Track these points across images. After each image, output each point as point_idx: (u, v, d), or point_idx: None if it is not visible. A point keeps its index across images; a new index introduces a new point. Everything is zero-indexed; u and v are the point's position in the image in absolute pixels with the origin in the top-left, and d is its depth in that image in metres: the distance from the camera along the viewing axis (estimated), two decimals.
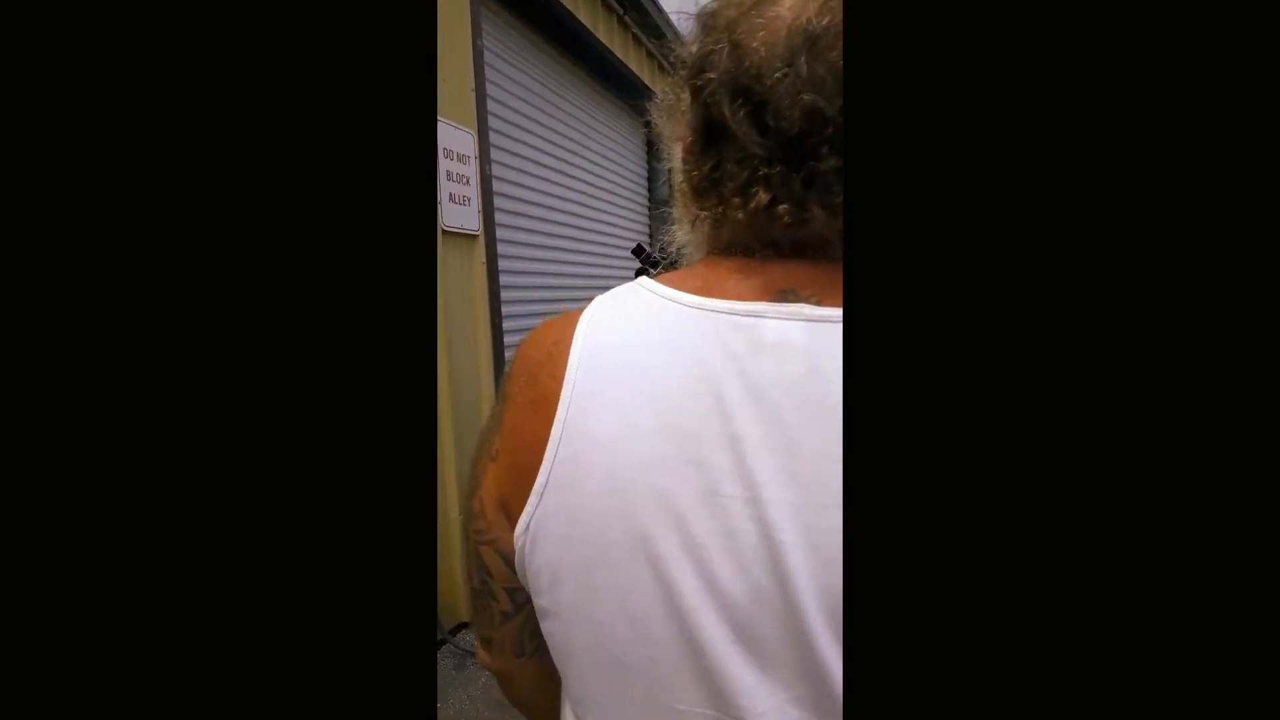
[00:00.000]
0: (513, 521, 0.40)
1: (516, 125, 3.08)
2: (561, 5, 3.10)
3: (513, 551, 0.40)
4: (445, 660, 2.23)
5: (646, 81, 4.33)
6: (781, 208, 0.36)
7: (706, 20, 0.39)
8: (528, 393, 0.40)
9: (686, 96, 0.42)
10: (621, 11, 3.87)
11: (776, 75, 0.35)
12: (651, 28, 4.24)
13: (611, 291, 0.43)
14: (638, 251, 1.21)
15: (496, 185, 2.77)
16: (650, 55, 4.41)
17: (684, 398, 0.35)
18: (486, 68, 2.63)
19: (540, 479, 0.38)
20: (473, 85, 2.49)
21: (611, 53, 3.75)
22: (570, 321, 0.41)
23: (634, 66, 4.11)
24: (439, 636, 2.25)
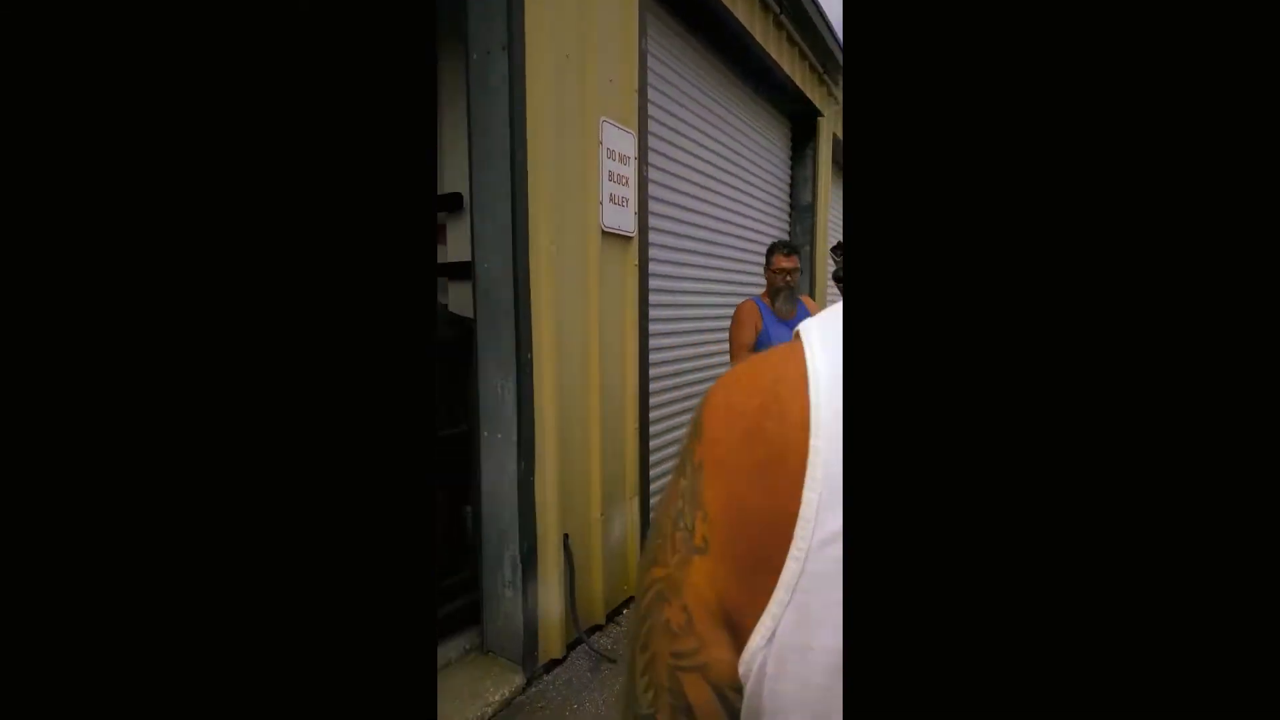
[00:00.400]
0: (740, 636, 0.29)
1: (672, 129, 3.07)
2: (720, 2, 3.05)
3: (735, 679, 0.30)
4: (580, 661, 2.24)
5: (798, 83, 4.18)
6: None
7: None
8: (749, 453, 0.30)
9: None
10: (778, 10, 3.75)
11: None
12: (807, 26, 4.09)
13: (831, 312, 0.33)
14: (837, 250, 1.11)
15: (651, 189, 2.76)
16: (803, 56, 4.26)
17: None
18: (649, 71, 2.64)
19: (790, 571, 0.27)
20: (637, 86, 2.50)
21: (766, 53, 3.65)
22: (787, 356, 0.31)
23: (786, 68, 3.98)
24: (576, 636, 2.26)
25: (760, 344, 2.51)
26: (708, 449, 0.32)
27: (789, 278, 2.57)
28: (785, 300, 2.58)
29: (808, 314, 2.19)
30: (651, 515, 0.38)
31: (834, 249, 1.05)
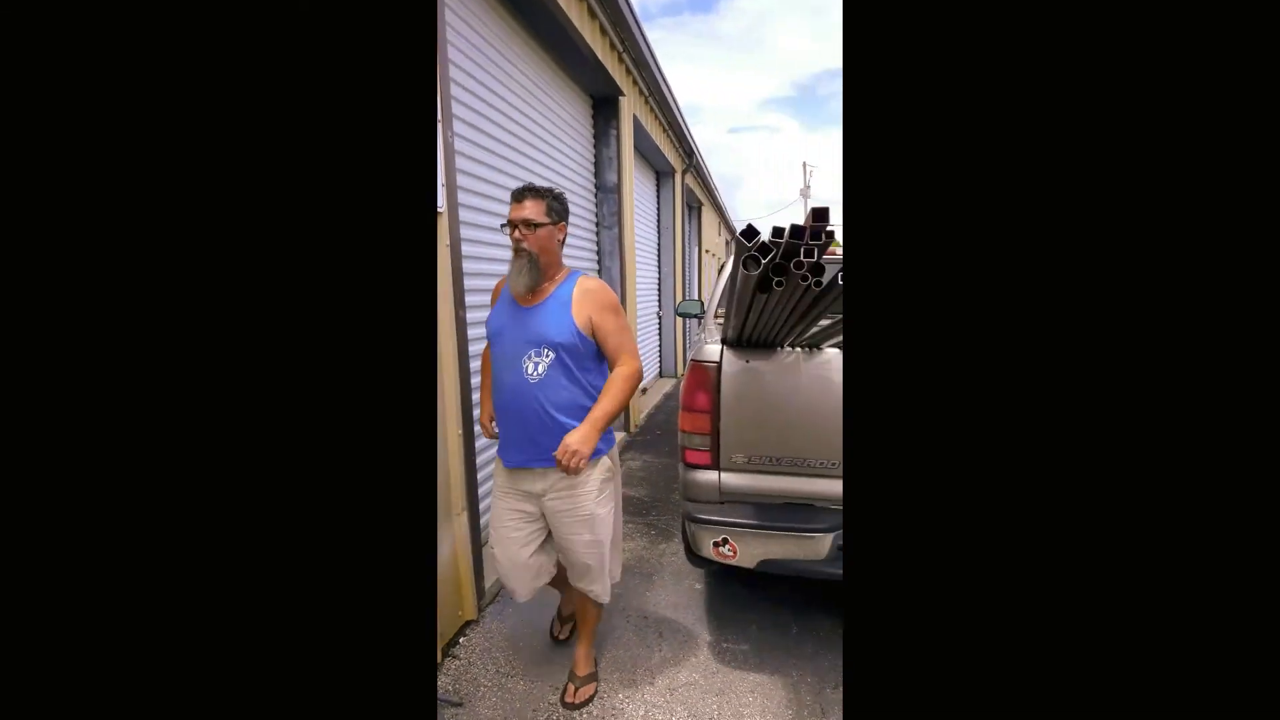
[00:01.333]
0: None
1: (475, 93, 2.74)
2: None
3: None
4: None
5: (600, 58, 4.05)
6: None
7: None
8: None
9: None
10: None
11: None
12: (608, 2, 3.96)
13: None
14: (748, 234, 0.97)
15: (460, 161, 2.41)
16: (604, 32, 4.13)
17: None
18: (447, 26, 2.28)
19: None
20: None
21: (569, 20, 3.44)
22: None
23: (589, 39, 3.82)
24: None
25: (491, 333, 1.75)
26: None
27: (520, 236, 1.61)
28: (519, 273, 1.63)
29: (565, 298, 1.62)
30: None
31: (744, 232, 0.91)
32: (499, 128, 3.02)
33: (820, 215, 0.92)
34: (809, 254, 0.95)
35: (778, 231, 0.96)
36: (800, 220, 1.01)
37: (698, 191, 9.81)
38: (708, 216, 11.70)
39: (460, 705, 1.92)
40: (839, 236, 1.69)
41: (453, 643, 2.24)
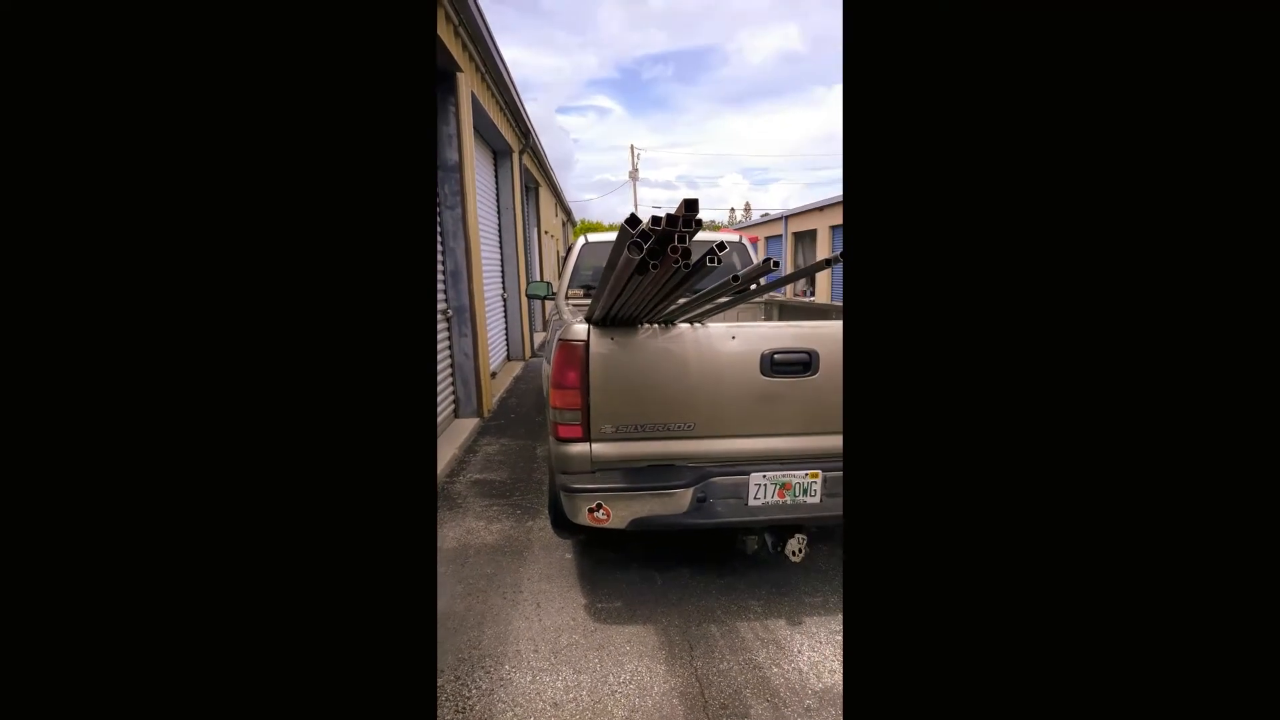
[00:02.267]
0: None
1: None
2: None
3: None
4: None
5: (436, 32, 3.89)
6: None
7: None
8: None
9: None
10: None
11: None
12: None
13: None
14: (632, 222, 1.08)
15: None
16: (438, 2, 3.97)
17: None
18: None
19: None
20: None
21: None
22: None
23: None
24: None
25: None
26: None
27: None
28: None
29: None
30: None
31: (629, 220, 1.01)
32: None
33: (691, 206, 1.06)
34: (681, 239, 1.09)
35: (655, 220, 1.10)
36: (672, 209, 1.16)
37: (535, 172, 9.74)
38: (545, 197, 11.65)
39: None
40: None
41: None
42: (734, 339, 2.09)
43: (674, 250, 1.10)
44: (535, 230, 10.58)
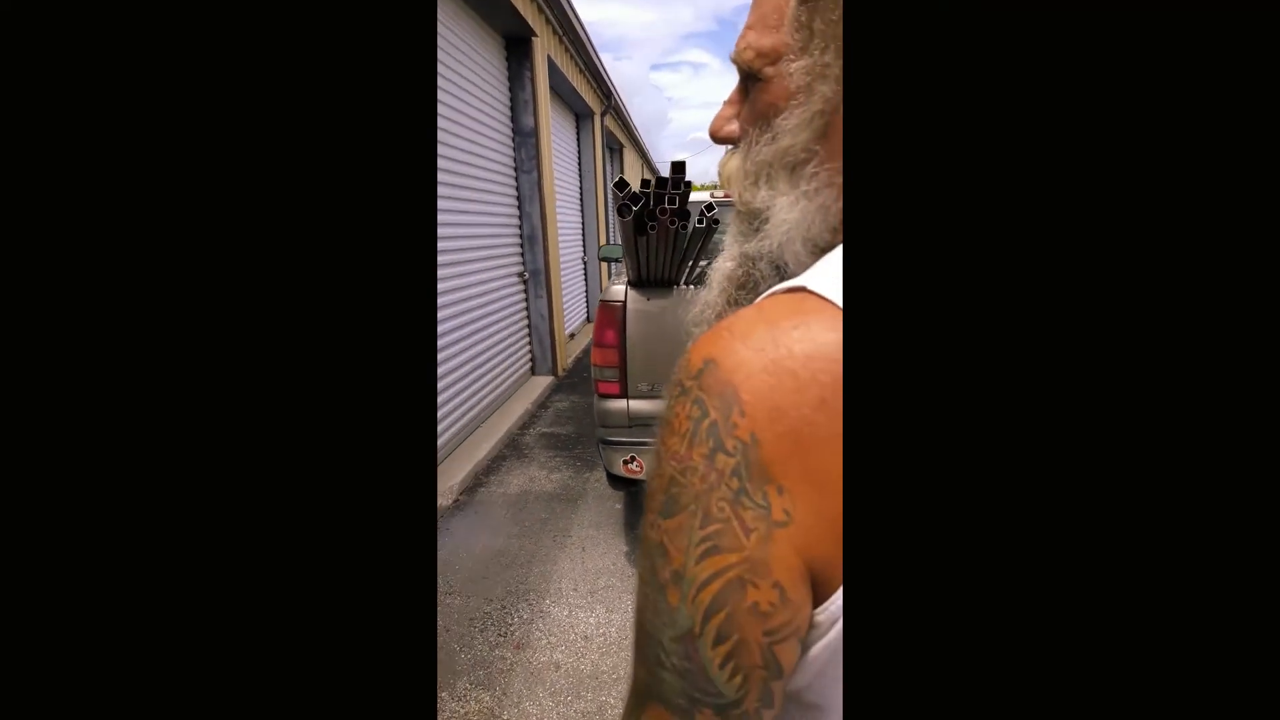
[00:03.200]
0: (826, 589, 0.31)
1: None
2: None
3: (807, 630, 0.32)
4: None
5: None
6: None
7: None
8: (831, 422, 0.30)
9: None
10: None
11: None
12: None
13: (832, 259, 0.35)
14: (620, 186, 1.14)
15: None
16: None
17: None
18: None
19: None
20: None
21: None
22: (822, 312, 0.32)
23: None
24: None
25: None
26: (765, 424, 0.30)
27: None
28: None
29: None
30: (662, 497, 0.32)
31: (616, 184, 1.07)
32: None
33: (678, 168, 1.10)
34: (672, 201, 1.13)
35: (645, 183, 1.15)
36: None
37: (618, 133, 9.76)
38: (630, 158, 11.66)
39: None
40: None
41: None
42: None
43: (663, 212, 1.15)
44: None
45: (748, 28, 0.42)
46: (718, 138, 0.47)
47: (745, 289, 0.45)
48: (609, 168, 9.27)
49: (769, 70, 0.41)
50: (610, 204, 9.25)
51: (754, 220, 0.43)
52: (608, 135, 8.63)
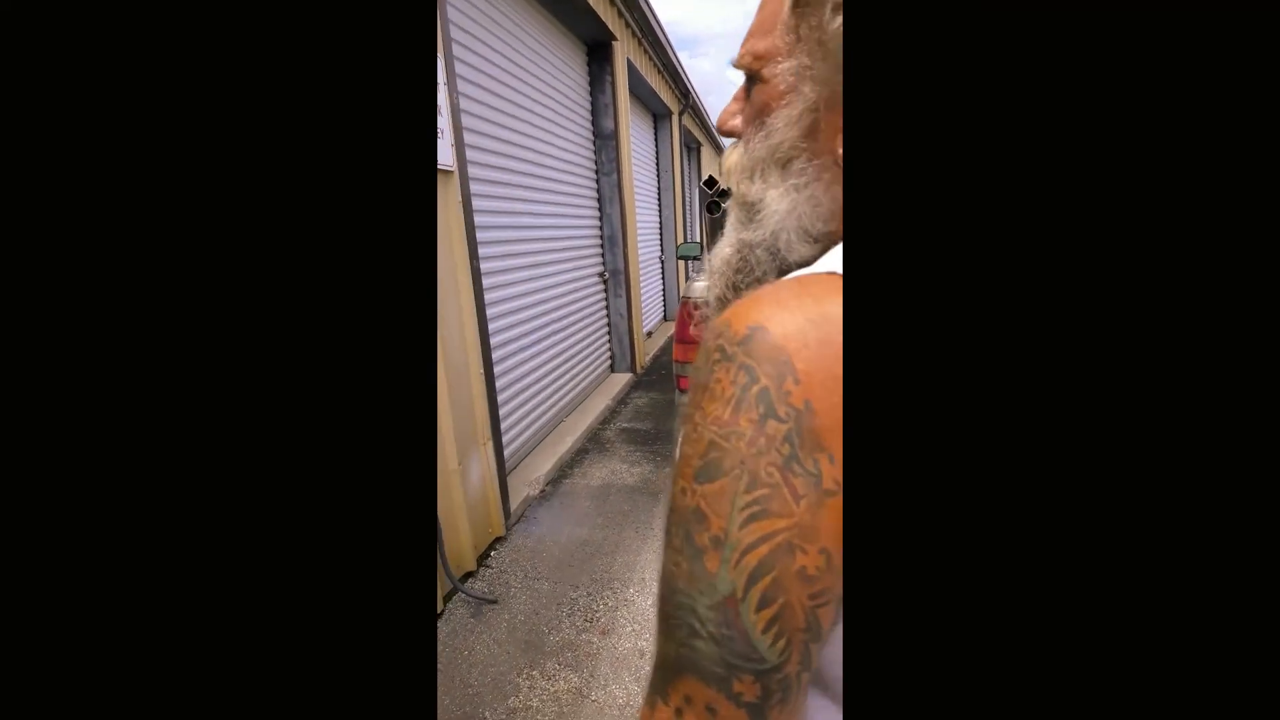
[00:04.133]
0: None
1: (473, 50, 2.86)
2: None
3: None
4: (459, 610, 2.23)
5: (590, 3, 4.10)
6: None
7: None
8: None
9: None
10: None
11: None
12: None
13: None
14: (709, 184, 1.18)
15: (465, 119, 2.58)
16: None
17: None
18: None
19: None
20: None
21: None
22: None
23: None
24: (451, 587, 2.24)
25: None
26: (820, 392, 0.31)
27: None
28: None
29: None
30: (700, 462, 0.33)
31: (705, 182, 1.09)
32: (499, 83, 3.15)
33: None
34: None
35: None
36: None
37: (695, 132, 9.75)
38: (707, 156, 11.62)
39: (495, 602, 2.25)
40: None
41: (485, 555, 2.56)
42: None
43: None
44: (696, 190, 10.65)
45: (749, 33, 0.45)
46: (722, 130, 0.50)
47: (742, 273, 0.47)
48: (686, 167, 9.29)
49: (765, 72, 0.43)
50: (688, 203, 9.27)
51: (750, 211, 0.45)
52: (685, 134, 8.66)
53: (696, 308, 1.73)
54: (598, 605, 2.20)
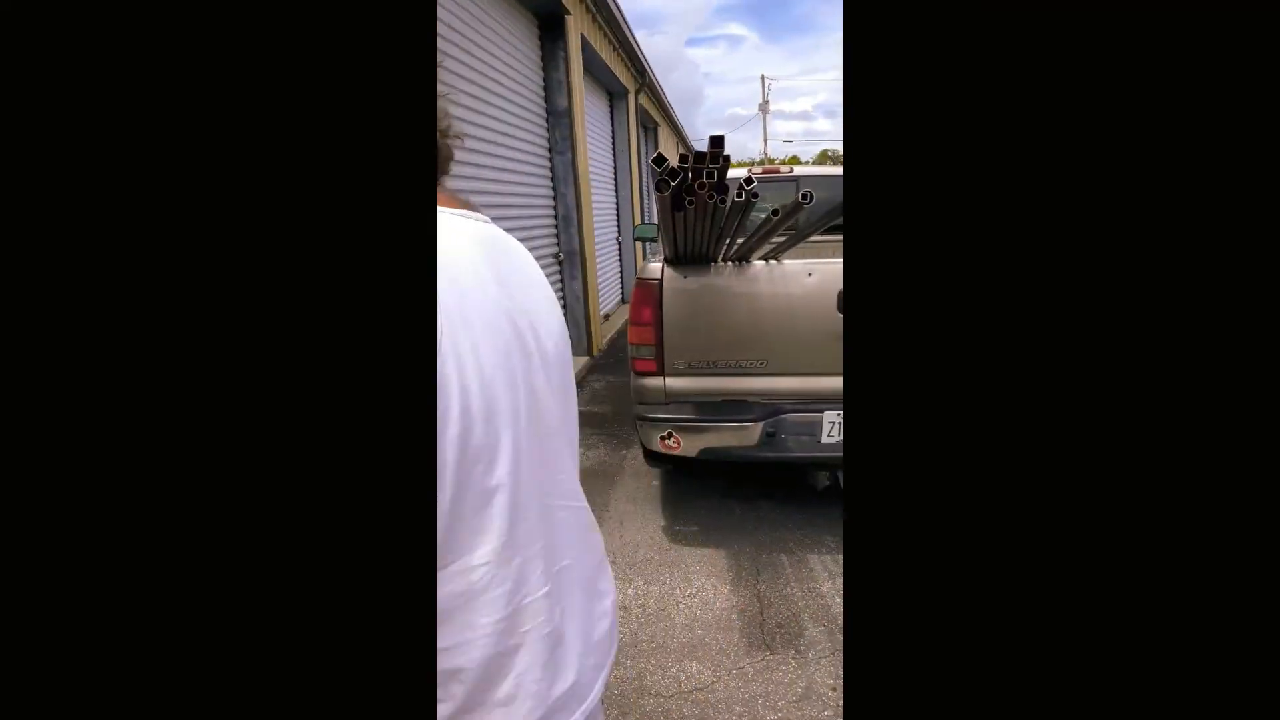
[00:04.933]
0: None
1: None
2: None
3: None
4: None
5: None
6: None
7: None
8: None
9: None
10: None
11: None
12: None
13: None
14: (658, 161, 1.15)
15: None
16: None
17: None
18: None
19: None
20: None
21: None
22: None
23: None
24: None
25: None
26: None
27: None
28: None
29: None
30: None
31: (654, 160, 1.07)
32: (446, 55, 3.02)
33: (716, 142, 1.10)
34: (710, 175, 1.14)
35: (683, 158, 1.15)
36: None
37: (653, 112, 9.67)
38: (665, 136, 11.54)
39: None
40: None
41: None
42: (810, 276, 2.08)
43: (701, 187, 1.15)
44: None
45: None
46: None
47: None
48: (644, 147, 9.21)
49: None
50: (645, 183, 9.22)
51: None
52: (642, 113, 8.56)
53: (649, 288, 1.72)
54: None
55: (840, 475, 2.33)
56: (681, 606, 2.05)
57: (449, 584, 0.45)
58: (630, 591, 2.15)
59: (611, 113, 7.47)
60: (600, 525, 2.57)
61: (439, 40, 2.96)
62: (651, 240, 4.60)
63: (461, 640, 0.46)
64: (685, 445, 2.21)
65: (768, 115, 32.47)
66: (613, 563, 2.32)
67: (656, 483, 2.96)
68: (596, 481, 3.00)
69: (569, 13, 4.61)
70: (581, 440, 3.48)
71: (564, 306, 5.16)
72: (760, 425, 2.15)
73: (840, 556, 2.30)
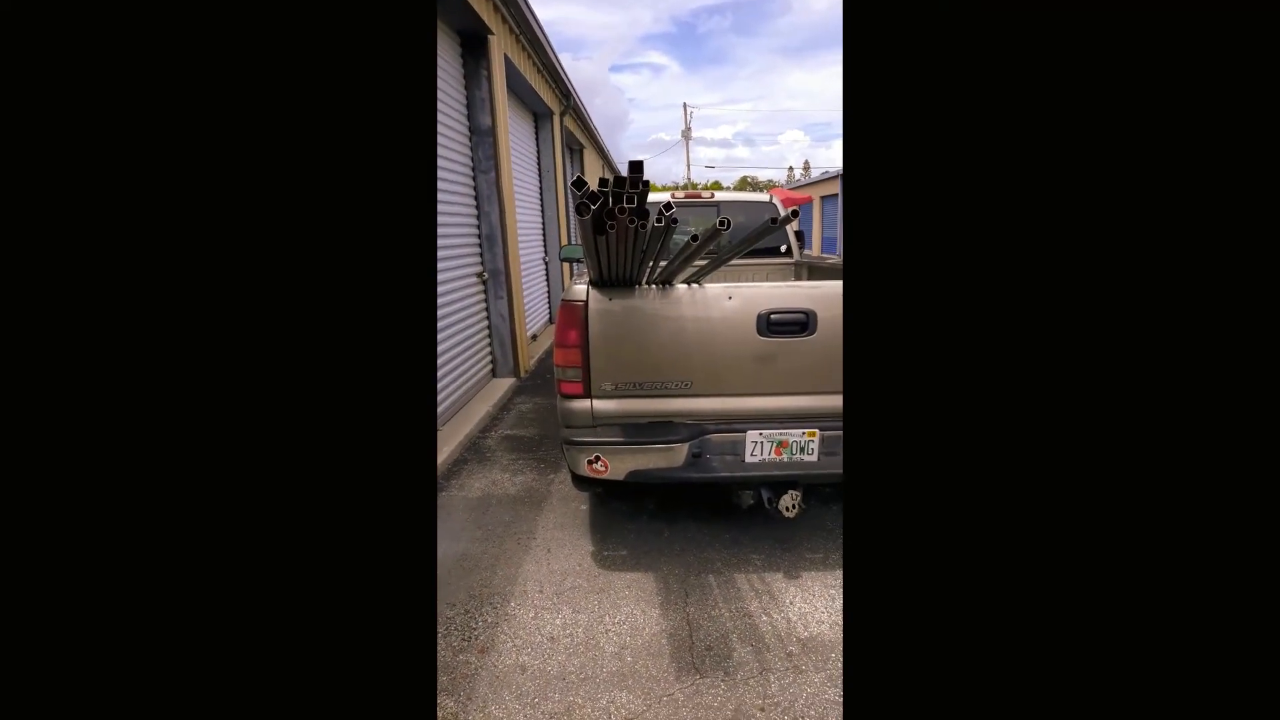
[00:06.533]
0: None
1: None
2: None
3: None
4: None
5: None
6: None
7: None
8: None
9: None
10: None
11: None
12: None
13: None
14: (578, 185, 1.14)
15: None
16: None
17: None
18: None
19: None
20: None
21: None
22: None
23: None
24: None
25: None
26: None
27: None
28: None
29: None
30: None
31: (574, 183, 1.06)
32: None
33: (636, 167, 1.11)
34: (630, 200, 1.14)
35: (603, 182, 1.15)
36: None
37: (578, 134, 9.72)
38: (590, 159, 11.62)
39: None
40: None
41: None
42: (730, 299, 2.12)
43: (622, 211, 1.15)
44: None
45: None
46: None
47: None
48: (569, 168, 9.22)
49: None
50: (571, 204, 9.22)
51: None
52: (568, 135, 8.59)
53: (574, 310, 1.71)
54: (476, 623, 2.10)
55: (764, 494, 2.37)
56: (610, 634, 2.01)
57: None
58: (558, 621, 2.09)
59: (537, 133, 7.45)
60: (527, 553, 2.49)
61: None
62: (578, 261, 4.59)
63: None
64: (613, 468, 2.18)
65: (690, 141, 33.43)
66: (540, 591, 2.25)
67: (585, 507, 2.92)
68: (523, 508, 2.92)
69: (492, 32, 4.58)
70: (507, 465, 3.39)
71: (488, 327, 5.04)
72: (686, 446, 2.16)
73: (766, 575, 2.33)
